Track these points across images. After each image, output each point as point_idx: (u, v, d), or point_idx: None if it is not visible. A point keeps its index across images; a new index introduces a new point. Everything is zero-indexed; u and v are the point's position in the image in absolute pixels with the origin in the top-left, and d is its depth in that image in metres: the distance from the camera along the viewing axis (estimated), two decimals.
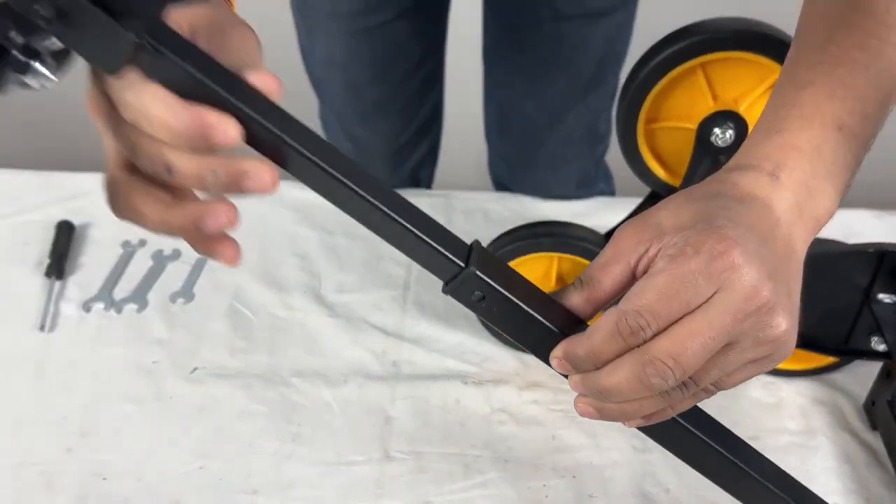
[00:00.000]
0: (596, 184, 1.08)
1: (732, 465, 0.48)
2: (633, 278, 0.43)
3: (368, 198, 0.40)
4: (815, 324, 0.69)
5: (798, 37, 0.50)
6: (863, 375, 0.76)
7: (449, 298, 0.44)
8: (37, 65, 0.38)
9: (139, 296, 0.86)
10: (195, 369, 0.78)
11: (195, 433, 0.73)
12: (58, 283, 0.86)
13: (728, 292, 0.39)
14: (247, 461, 0.71)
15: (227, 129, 0.37)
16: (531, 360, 0.79)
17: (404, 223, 0.41)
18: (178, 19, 0.40)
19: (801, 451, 0.72)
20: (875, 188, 1.29)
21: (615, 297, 0.43)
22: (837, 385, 0.78)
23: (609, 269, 0.43)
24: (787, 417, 0.75)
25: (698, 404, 0.45)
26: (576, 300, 0.44)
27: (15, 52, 0.38)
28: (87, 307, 0.85)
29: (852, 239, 0.96)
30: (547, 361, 0.44)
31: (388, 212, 0.41)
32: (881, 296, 0.67)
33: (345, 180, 0.40)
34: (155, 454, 0.71)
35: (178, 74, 0.37)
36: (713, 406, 0.77)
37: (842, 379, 0.78)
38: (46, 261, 0.89)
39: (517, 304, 0.43)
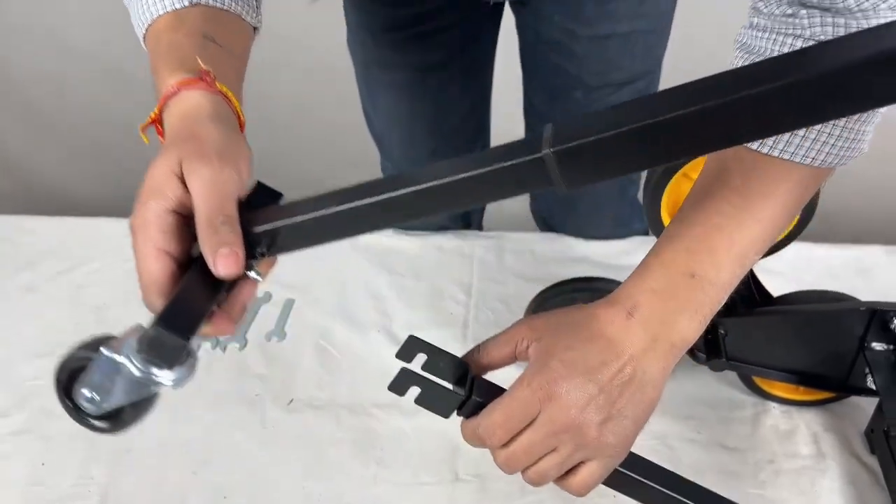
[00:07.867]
0: (632, 222, 1.20)
1: None
2: (513, 356, 0.61)
3: None
4: (820, 366, 0.81)
5: (688, 195, 0.62)
6: (865, 405, 0.88)
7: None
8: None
9: (239, 336, 1.00)
10: (291, 400, 0.92)
11: (295, 457, 0.87)
12: None
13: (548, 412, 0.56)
14: (339, 482, 0.84)
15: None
16: None
17: None
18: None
19: (812, 473, 0.84)
20: (886, 225, 1.37)
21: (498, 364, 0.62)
22: (844, 414, 0.89)
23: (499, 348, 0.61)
24: (801, 443, 0.87)
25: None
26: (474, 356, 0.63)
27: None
28: (196, 346, 0.99)
29: (864, 273, 1.07)
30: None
31: None
32: (874, 344, 0.78)
33: None
34: (265, 476, 0.85)
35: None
36: (739, 435, 0.90)
37: (848, 409, 0.89)
38: None
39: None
